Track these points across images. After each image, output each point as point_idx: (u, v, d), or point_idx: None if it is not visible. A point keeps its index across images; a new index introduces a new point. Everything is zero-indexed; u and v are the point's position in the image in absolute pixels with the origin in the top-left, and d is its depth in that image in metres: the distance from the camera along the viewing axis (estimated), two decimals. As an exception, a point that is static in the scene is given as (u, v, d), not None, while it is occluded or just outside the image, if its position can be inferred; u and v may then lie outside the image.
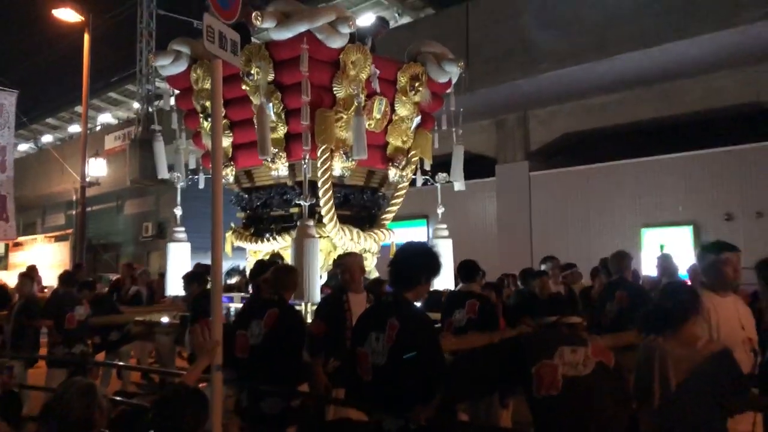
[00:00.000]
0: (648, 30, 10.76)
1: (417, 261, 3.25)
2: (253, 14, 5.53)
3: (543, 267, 7.18)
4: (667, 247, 10.50)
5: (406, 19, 22.44)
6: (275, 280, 4.45)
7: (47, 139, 33.63)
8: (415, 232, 15.56)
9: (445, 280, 6.61)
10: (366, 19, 21.79)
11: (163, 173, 7.02)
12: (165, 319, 7.01)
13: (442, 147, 7.27)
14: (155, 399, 2.80)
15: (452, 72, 6.75)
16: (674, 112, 12.64)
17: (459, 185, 7.14)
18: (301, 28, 5.54)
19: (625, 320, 5.65)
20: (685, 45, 10.60)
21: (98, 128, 28.41)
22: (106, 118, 31.62)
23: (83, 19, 17.15)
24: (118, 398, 4.98)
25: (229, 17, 3.40)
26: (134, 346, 8.57)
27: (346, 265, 4.87)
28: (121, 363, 7.74)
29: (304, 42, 5.48)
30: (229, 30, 3.39)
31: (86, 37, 17.10)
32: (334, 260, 5.05)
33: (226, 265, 8.11)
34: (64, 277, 7.31)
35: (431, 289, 5.94)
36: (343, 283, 4.83)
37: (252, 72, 5.79)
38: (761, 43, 10.42)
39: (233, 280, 6.83)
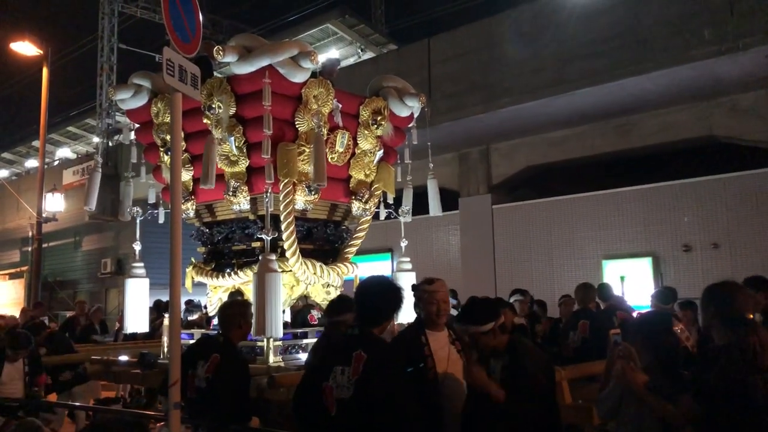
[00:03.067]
0: (604, 66, 11.06)
1: (383, 298, 3.27)
2: (215, 48, 5.52)
3: (512, 299, 7.33)
4: (628, 279, 10.66)
5: (369, 54, 22.73)
6: (221, 318, 4.38)
7: (3, 173, 32.90)
8: (379, 266, 15.53)
9: (407, 314, 6.56)
10: (329, 54, 22.01)
11: (92, 205, 6.91)
12: (123, 357, 6.82)
13: (404, 180, 7.30)
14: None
15: (414, 106, 6.81)
16: (631, 145, 12.95)
17: (435, 213, 7.25)
18: (263, 63, 5.54)
19: (587, 349, 5.75)
20: (641, 80, 10.92)
21: (56, 163, 27.91)
22: (64, 152, 31.11)
23: (42, 52, 16.94)
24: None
25: (189, 51, 3.39)
26: (88, 387, 8.33)
27: (432, 294, 3.82)
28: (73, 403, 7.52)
29: (266, 76, 5.47)
30: (190, 64, 3.37)
31: (45, 71, 16.88)
32: (415, 288, 4.00)
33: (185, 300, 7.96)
34: None
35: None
36: (428, 316, 3.81)
37: (213, 106, 5.75)
38: (713, 79, 10.79)
39: (194, 317, 6.68)
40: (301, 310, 6.25)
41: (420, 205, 7.41)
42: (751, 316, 2.97)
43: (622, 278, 10.75)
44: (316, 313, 6.25)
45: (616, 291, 7.86)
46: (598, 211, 13.29)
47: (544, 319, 9.10)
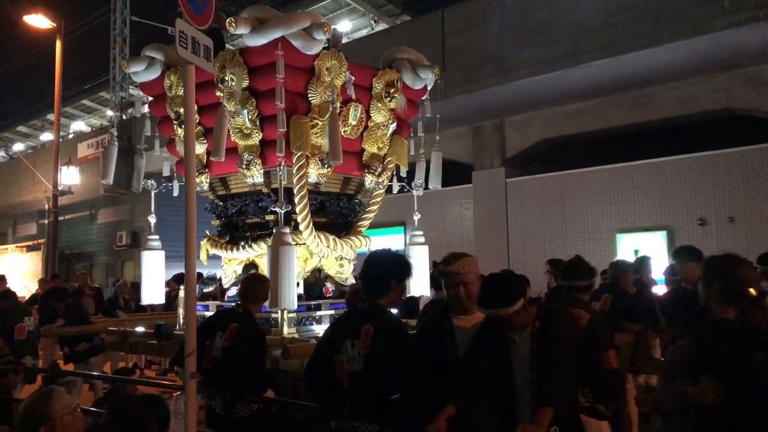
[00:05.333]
0: (620, 37, 10.89)
1: (384, 266, 3.25)
2: (227, 20, 5.49)
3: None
4: (642, 252, 10.62)
5: (382, 26, 22.51)
6: (243, 291, 4.44)
7: (18, 147, 33.13)
8: (392, 239, 15.57)
9: (421, 287, 6.60)
10: (342, 26, 21.84)
11: (109, 179, 6.97)
12: (140, 329, 6.91)
13: (418, 154, 7.28)
14: (110, 405, 2.84)
15: (427, 78, 6.76)
16: (647, 118, 12.80)
17: (435, 186, 7.19)
18: (276, 35, 5.50)
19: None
20: (657, 52, 10.75)
21: (71, 136, 28.06)
22: (79, 125, 31.25)
23: (55, 25, 16.94)
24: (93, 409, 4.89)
25: (201, 23, 3.37)
26: (108, 356, 8.48)
27: (452, 276, 3.33)
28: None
29: (278, 48, 5.44)
30: (203, 36, 3.36)
31: (58, 44, 16.89)
32: (436, 266, 3.67)
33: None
34: (2, 295, 7.33)
35: (407, 296, 5.95)
36: (451, 300, 3.37)
37: (226, 78, 5.74)
38: (731, 50, 10.60)
39: (209, 289, 6.75)
40: (316, 282, 6.30)
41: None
42: (753, 291, 2.91)
43: (635, 252, 10.72)
44: (330, 286, 6.29)
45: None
46: (613, 184, 13.20)
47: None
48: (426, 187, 7.22)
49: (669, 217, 12.39)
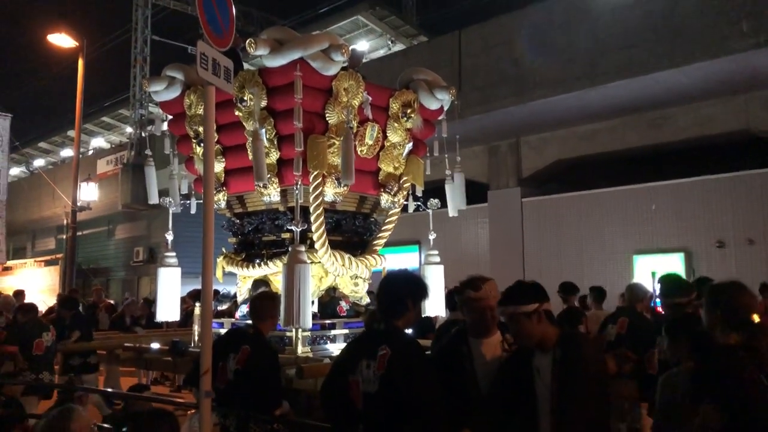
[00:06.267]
0: (638, 58, 10.90)
1: (400, 287, 3.24)
2: (247, 41, 5.56)
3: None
4: (659, 274, 10.52)
5: (399, 47, 22.68)
6: (252, 310, 4.43)
7: (39, 163, 33.59)
8: (406, 258, 15.56)
9: (436, 307, 6.58)
10: (360, 46, 22.01)
11: (154, 199, 7.01)
12: (155, 345, 6.94)
13: (434, 173, 7.29)
14: (129, 419, 2.89)
15: (444, 99, 6.79)
16: (664, 139, 12.77)
17: (454, 212, 7.15)
18: (295, 56, 5.56)
19: (619, 346, 5.75)
20: (675, 74, 10.75)
21: (90, 152, 28.43)
22: (98, 142, 31.67)
23: (78, 44, 17.22)
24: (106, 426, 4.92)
25: (222, 45, 3.43)
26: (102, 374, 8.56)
27: (479, 302, 3.29)
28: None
29: (297, 69, 5.50)
30: (223, 57, 3.41)
31: (80, 62, 17.16)
32: (457, 291, 3.57)
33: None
34: (23, 308, 7.42)
35: (423, 316, 5.93)
36: (473, 324, 3.34)
37: (245, 98, 5.80)
38: (750, 72, 10.58)
39: (223, 307, 6.77)
40: (331, 301, 6.30)
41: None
42: (756, 317, 2.91)
43: (653, 274, 10.62)
44: (345, 305, 6.29)
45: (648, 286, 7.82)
46: (629, 205, 13.14)
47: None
48: (443, 206, 7.18)
49: (687, 239, 12.30)
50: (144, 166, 7.14)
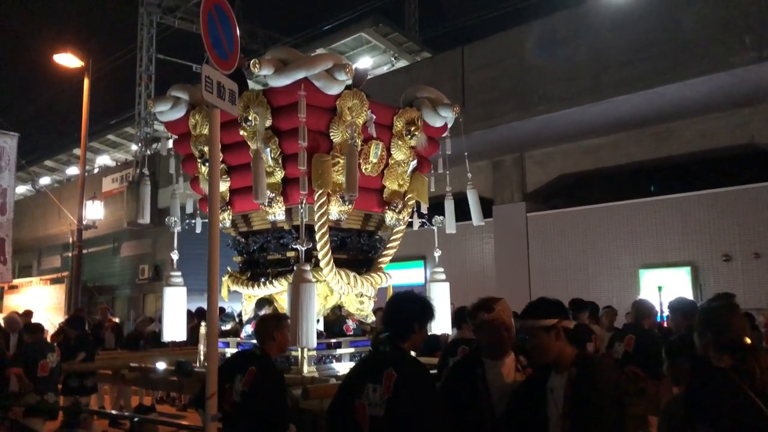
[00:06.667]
0: (641, 73, 10.92)
1: (406, 309, 3.23)
2: (251, 62, 5.60)
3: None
4: (666, 289, 10.48)
5: (402, 63, 22.78)
6: (256, 332, 4.41)
7: (45, 181, 33.73)
8: (412, 273, 15.53)
9: (442, 325, 6.55)
10: (363, 63, 22.13)
11: (146, 218, 7.02)
12: (161, 365, 6.92)
13: (439, 189, 7.29)
14: None
15: (448, 117, 6.80)
16: (669, 153, 12.75)
17: (452, 228, 7.14)
18: (299, 76, 5.59)
19: (627, 363, 5.71)
20: (678, 88, 10.76)
21: (96, 170, 28.55)
22: (104, 160, 31.80)
23: (83, 64, 17.35)
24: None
25: (227, 68, 3.45)
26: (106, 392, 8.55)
27: (492, 323, 3.26)
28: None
29: (301, 89, 5.52)
30: (228, 80, 3.43)
31: (86, 82, 17.28)
32: (469, 315, 3.53)
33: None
34: (29, 327, 7.43)
35: (429, 334, 5.90)
36: (487, 347, 3.32)
37: (250, 118, 5.83)
38: (753, 86, 10.58)
39: (227, 326, 6.75)
40: (337, 320, 6.28)
41: (455, 213, 7.34)
42: (747, 339, 2.89)
43: (659, 288, 10.58)
44: (352, 324, 6.27)
45: (654, 301, 7.80)
46: (635, 219, 13.10)
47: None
48: (450, 226, 7.14)
49: (693, 252, 12.26)
50: (140, 184, 7.15)
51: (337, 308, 6.37)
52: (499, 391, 3.18)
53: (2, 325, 9.84)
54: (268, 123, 5.87)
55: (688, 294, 11.56)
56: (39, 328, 7.59)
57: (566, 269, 13.95)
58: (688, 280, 12.10)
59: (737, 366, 2.74)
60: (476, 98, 13.05)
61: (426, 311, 3.23)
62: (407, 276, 15.06)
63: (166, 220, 6.87)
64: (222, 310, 7.47)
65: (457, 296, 8.02)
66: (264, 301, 6.26)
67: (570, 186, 14.83)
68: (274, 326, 4.42)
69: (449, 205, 7.14)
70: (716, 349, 2.86)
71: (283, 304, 6.04)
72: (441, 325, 6.50)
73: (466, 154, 6.90)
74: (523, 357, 3.27)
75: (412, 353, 3.40)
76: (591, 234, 13.70)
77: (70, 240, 19.39)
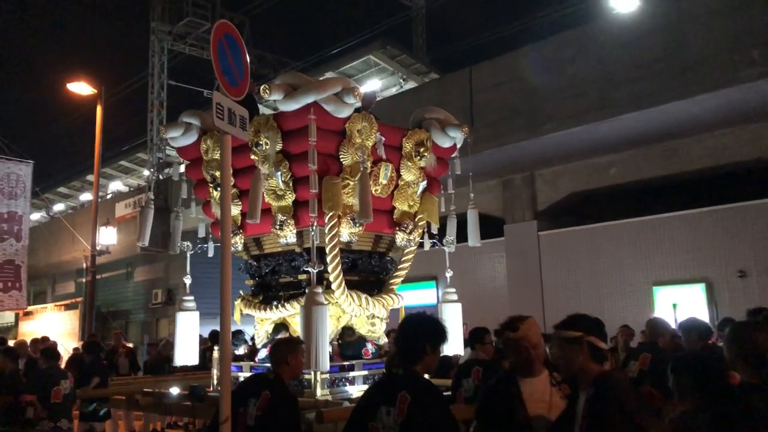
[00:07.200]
0: (649, 90, 10.93)
1: (419, 332, 3.22)
2: (261, 87, 5.67)
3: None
4: (680, 306, 10.41)
5: (411, 84, 22.92)
6: (270, 356, 4.40)
7: (59, 207, 34.02)
8: (423, 294, 15.48)
9: (455, 346, 6.54)
10: (372, 85, 22.29)
11: (145, 241, 7.06)
12: (175, 390, 6.93)
13: (449, 210, 7.30)
14: None
15: (456, 137, 6.85)
16: (678, 169, 12.72)
17: (474, 244, 7.18)
18: (309, 100, 5.66)
19: (642, 382, 5.67)
20: (686, 104, 10.75)
21: (109, 196, 28.77)
22: (116, 185, 32.06)
23: (96, 91, 17.58)
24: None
25: (237, 94, 3.50)
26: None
27: (519, 341, 3.27)
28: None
29: (311, 113, 5.59)
30: (238, 106, 3.48)
31: (99, 109, 17.49)
32: (497, 333, 3.59)
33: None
34: (46, 352, 7.46)
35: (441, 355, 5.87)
36: (517, 365, 3.33)
37: (261, 142, 5.89)
38: (762, 100, 10.56)
39: (240, 351, 6.75)
40: (355, 343, 6.27)
41: (466, 233, 7.36)
42: None
43: (674, 306, 10.51)
44: (371, 348, 6.25)
45: (669, 319, 7.74)
46: (646, 236, 13.03)
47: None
48: (459, 242, 7.17)
49: (707, 269, 12.15)
50: (144, 208, 7.24)
51: (353, 331, 6.37)
52: (535, 409, 3.17)
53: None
54: (279, 147, 5.93)
55: (703, 311, 11.46)
56: (55, 355, 7.63)
57: (579, 287, 13.87)
58: (703, 296, 11.99)
59: (763, 382, 2.74)
60: (485, 118, 13.10)
61: (438, 333, 3.23)
62: (419, 297, 15.02)
63: (180, 244, 6.92)
64: (239, 332, 7.48)
65: (469, 316, 8.01)
66: (281, 326, 6.28)
67: (580, 204, 14.80)
68: (288, 350, 4.40)
69: (450, 224, 7.16)
70: (744, 364, 2.88)
71: (296, 327, 6.06)
72: (453, 346, 6.49)
73: (470, 174, 6.93)
74: (557, 373, 3.28)
75: (426, 375, 3.40)
76: (603, 252, 13.63)
77: (84, 266, 19.50)
